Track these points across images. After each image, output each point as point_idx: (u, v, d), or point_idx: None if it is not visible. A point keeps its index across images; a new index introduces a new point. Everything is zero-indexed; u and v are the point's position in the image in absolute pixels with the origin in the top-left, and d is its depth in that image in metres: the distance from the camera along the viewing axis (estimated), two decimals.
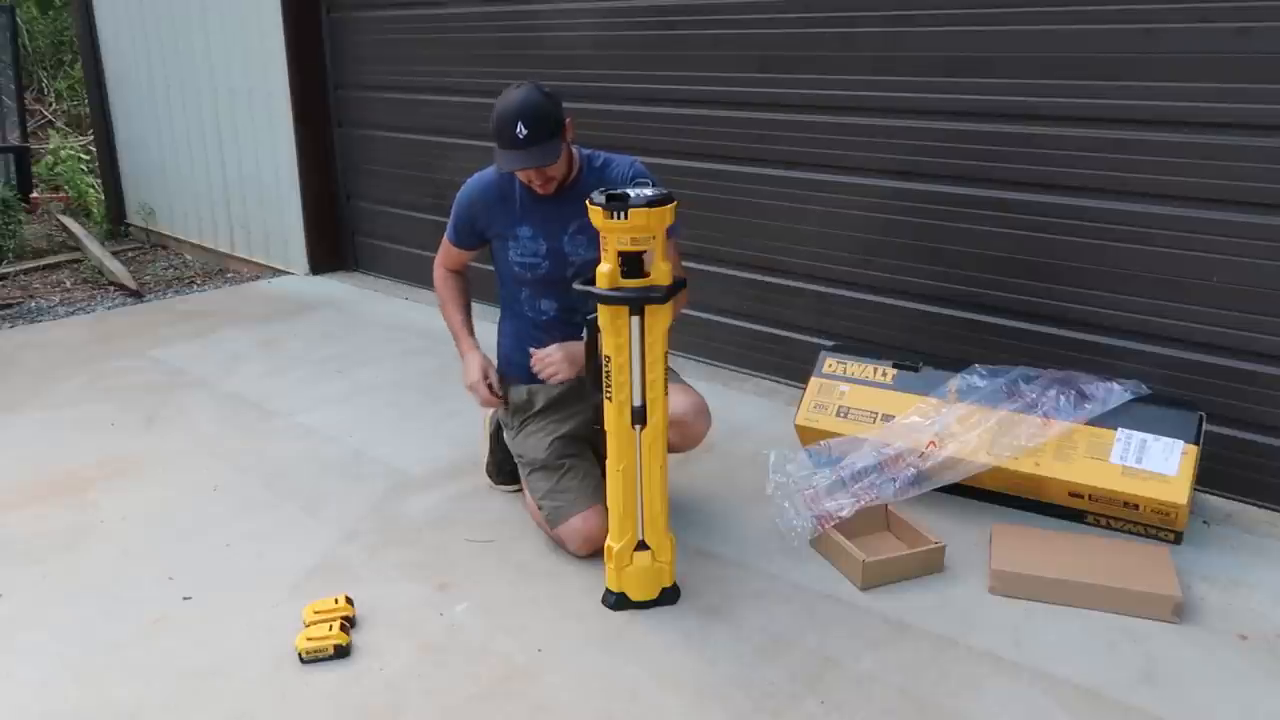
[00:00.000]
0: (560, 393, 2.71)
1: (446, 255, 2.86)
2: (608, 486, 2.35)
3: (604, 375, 2.25)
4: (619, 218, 2.12)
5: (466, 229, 2.74)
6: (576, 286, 2.28)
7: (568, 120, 2.49)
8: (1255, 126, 2.57)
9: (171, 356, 4.21)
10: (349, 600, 2.34)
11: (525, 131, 2.39)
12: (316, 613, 2.29)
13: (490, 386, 2.72)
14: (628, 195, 2.14)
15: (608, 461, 2.32)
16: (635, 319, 2.20)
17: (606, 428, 2.29)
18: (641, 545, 2.34)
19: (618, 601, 2.36)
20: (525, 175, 2.53)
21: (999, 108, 2.98)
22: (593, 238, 2.58)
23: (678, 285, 2.23)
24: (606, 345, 2.22)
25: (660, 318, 2.21)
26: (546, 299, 2.69)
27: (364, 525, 2.79)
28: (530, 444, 2.69)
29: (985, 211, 3.07)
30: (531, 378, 2.76)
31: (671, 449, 2.53)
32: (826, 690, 2.07)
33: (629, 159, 2.68)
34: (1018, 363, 2.86)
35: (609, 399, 2.26)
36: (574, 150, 2.61)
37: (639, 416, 2.25)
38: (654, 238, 2.16)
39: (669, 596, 2.39)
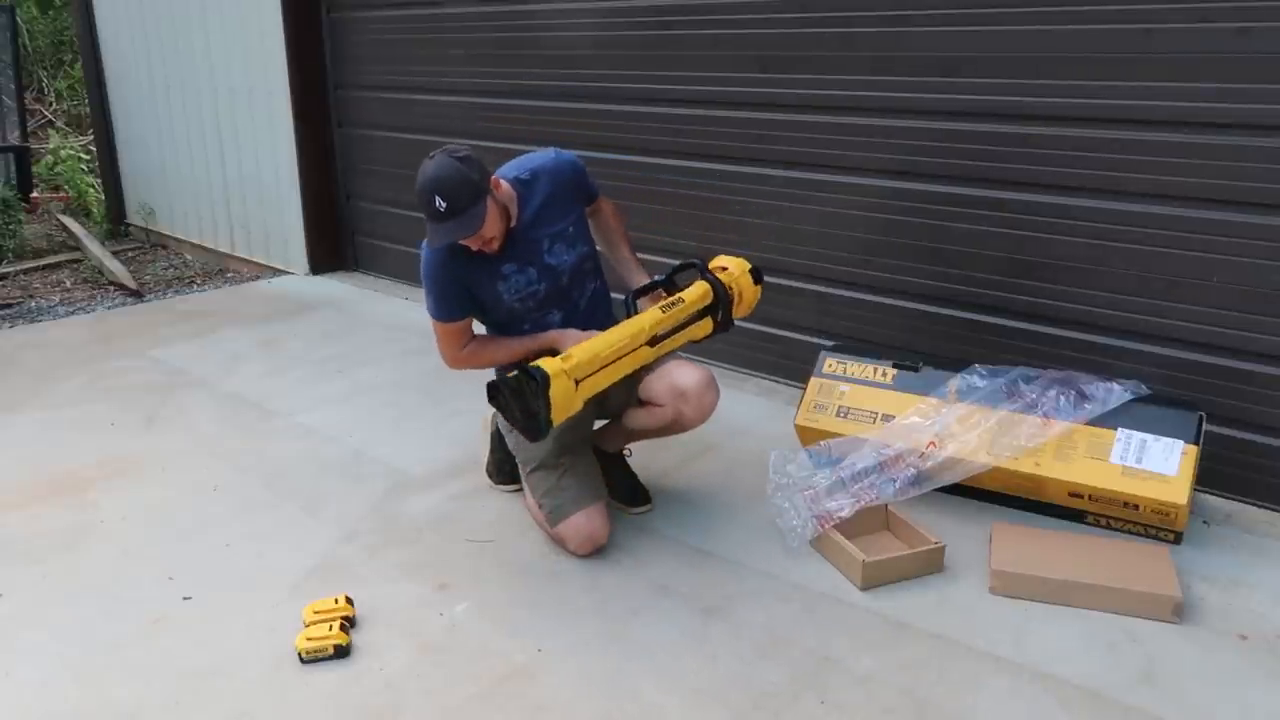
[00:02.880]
0: None
1: (450, 339, 2.65)
2: (605, 334, 2.43)
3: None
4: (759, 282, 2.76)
5: (457, 294, 2.59)
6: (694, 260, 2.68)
7: (493, 178, 2.45)
8: (1255, 126, 2.57)
9: (171, 356, 4.21)
10: (349, 600, 2.34)
11: (444, 205, 2.36)
12: (316, 613, 2.29)
13: None
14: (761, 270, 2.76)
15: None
16: (706, 314, 2.59)
17: (635, 320, 2.50)
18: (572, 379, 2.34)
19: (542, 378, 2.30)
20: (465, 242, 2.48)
21: (998, 108, 2.98)
22: (570, 241, 2.60)
23: (730, 325, 2.68)
24: (690, 294, 2.56)
25: (702, 330, 2.60)
26: (550, 314, 2.66)
27: (364, 525, 2.79)
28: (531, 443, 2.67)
29: (985, 211, 3.07)
30: None
31: (685, 424, 2.59)
32: (826, 690, 2.08)
33: (549, 155, 2.66)
34: (1018, 363, 2.87)
35: (664, 310, 2.52)
36: (506, 187, 2.54)
37: (653, 341, 2.50)
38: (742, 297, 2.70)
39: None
